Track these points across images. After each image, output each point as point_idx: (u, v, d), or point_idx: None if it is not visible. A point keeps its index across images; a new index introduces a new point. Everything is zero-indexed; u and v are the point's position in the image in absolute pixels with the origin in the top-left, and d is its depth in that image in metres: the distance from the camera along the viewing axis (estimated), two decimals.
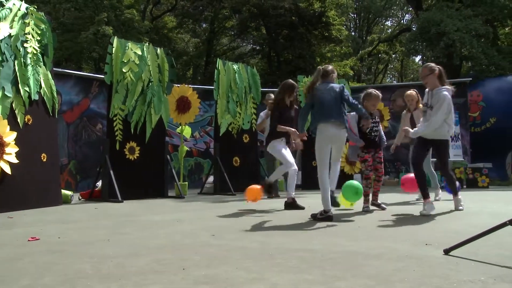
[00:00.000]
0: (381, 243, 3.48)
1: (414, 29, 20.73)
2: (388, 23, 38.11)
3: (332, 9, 24.32)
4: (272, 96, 7.93)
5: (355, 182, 5.69)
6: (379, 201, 5.95)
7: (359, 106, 5.32)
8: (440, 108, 5.21)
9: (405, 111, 7.44)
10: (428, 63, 5.70)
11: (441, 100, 5.20)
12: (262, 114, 8.28)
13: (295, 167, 6.38)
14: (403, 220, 4.93)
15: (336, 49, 26.33)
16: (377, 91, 6.03)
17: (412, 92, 7.37)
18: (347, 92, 5.15)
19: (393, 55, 33.62)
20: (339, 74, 21.60)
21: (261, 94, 10.32)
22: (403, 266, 2.71)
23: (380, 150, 6.07)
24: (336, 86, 5.15)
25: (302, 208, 6.07)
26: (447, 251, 3.03)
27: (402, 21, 35.79)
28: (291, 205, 6.20)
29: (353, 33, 34.67)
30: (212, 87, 9.82)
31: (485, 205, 6.60)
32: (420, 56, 29.64)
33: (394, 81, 38.15)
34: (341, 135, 5.15)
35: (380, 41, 31.01)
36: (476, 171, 10.98)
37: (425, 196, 5.32)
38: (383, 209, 5.83)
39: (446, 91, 5.25)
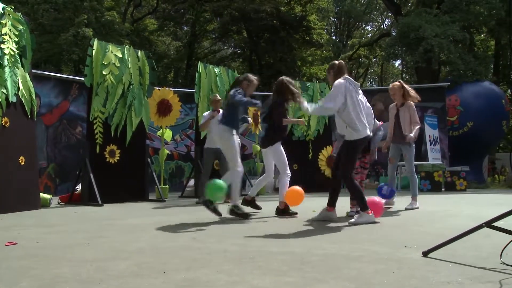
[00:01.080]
0: (361, 246, 3.51)
1: (393, 34, 21.02)
2: (368, 27, 38.63)
3: (313, 13, 24.50)
4: (218, 96, 8.11)
5: (219, 181, 5.10)
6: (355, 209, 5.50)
7: (242, 100, 5.27)
8: (328, 94, 5.00)
9: (392, 104, 6.90)
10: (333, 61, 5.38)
11: (332, 88, 4.87)
12: (205, 114, 8.16)
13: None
14: (383, 223, 4.98)
15: (317, 53, 26.53)
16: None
17: (395, 84, 6.76)
18: (232, 92, 5.37)
19: (373, 60, 34.04)
20: (319, 78, 21.81)
21: None
22: (383, 268, 2.74)
23: (368, 154, 5.87)
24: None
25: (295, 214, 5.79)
26: (425, 253, 3.07)
27: (382, 26, 36.31)
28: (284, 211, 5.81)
29: (333, 37, 34.99)
30: (193, 90, 9.80)
31: (463, 208, 6.71)
32: (400, 61, 30.07)
33: (374, 85, 38.54)
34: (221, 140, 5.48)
35: (361, 45, 31.37)
36: (454, 174, 11.16)
37: (364, 208, 4.85)
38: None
39: (343, 79, 4.85)
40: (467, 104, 13.94)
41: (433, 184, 10.97)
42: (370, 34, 36.38)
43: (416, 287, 2.31)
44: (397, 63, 34.49)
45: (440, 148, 12.60)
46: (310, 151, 11.11)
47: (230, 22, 22.43)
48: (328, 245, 3.59)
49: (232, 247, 3.52)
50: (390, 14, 29.06)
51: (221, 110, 7.16)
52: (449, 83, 14.09)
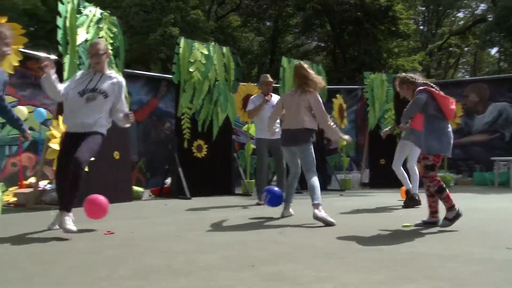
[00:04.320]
0: (454, 245, 3.35)
1: (490, 19, 19.71)
2: (460, 14, 36.43)
3: (399, 3, 23.58)
4: (269, 77, 6.80)
5: None
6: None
7: None
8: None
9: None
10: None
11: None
12: (253, 98, 6.86)
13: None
14: (478, 222, 4.71)
15: (404, 44, 25.54)
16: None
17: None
18: None
19: (466, 48, 32.17)
20: (406, 70, 21.01)
21: (327, 91, 10.21)
22: (481, 270, 2.59)
23: None
24: None
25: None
26: None
27: (476, 12, 34.19)
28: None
29: (421, 27, 33.54)
30: (278, 85, 9.83)
31: None
32: (497, 48, 28.19)
33: (467, 76, 36.54)
34: None
35: (451, 34, 29.78)
36: None
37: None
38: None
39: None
40: None
41: None
42: (462, 22, 34.45)
43: None
44: (494, 50, 32.38)
45: None
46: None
47: (313, 15, 22.22)
48: (420, 243, 3.46)
49: (320, 242, 3.50)
50: None
51: (273, 95, 6.75)
52: None
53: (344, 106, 10.19)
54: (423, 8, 33.81)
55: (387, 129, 6.91)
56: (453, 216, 4.12)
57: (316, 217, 4.51)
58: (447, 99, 4.23)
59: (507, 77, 14.18)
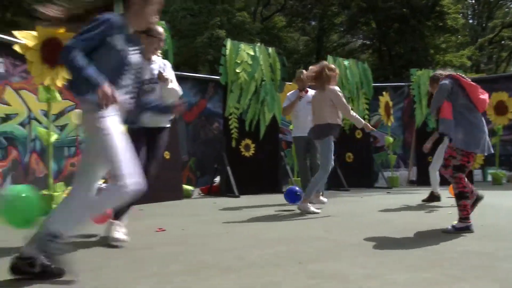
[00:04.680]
0: (508, 244, 3.23)
1: None
2: None
3: None
4: (305, 72, 6.06)
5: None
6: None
7: None
8: None
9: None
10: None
11: None
12: (289, 95, 6.74)
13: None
14: None
15: (452, 39, 24.77)
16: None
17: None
18: None
19: None
20: (455, 65, 20.38)
21: (373, 89, 10.06)
22: None
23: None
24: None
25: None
26: None
27: None
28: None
29: (470, 21, 32.38)
30: None
31: None
32: None
33: None
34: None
35: (504, 26, 28.56)
36: None
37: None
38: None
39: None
40: None
41: None
42: None
43: None
44: None
45: None
46: None
47: (358, 13, 21.95)
48: (469, 241, 3.36)
49: (365, 240, 3.46)
50: None
51: (309, 90, 6.47)
52: None
53: (391, 103, 10.00)
54: (473, 1, 32.59)
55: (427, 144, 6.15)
56: (461, 227, 3.74)
57: (299, 208, 5.14)
58: (475, 87, 3.86)
59: None
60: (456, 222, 3.80)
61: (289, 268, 2.59)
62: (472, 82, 3.94)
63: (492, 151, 4.04)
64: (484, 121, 3.92)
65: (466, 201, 3.80)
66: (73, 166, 8.32)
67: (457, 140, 3.80)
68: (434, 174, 6.18)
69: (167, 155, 7.14)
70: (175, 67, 9.64)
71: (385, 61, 22.48)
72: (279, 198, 7.45)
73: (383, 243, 3.36)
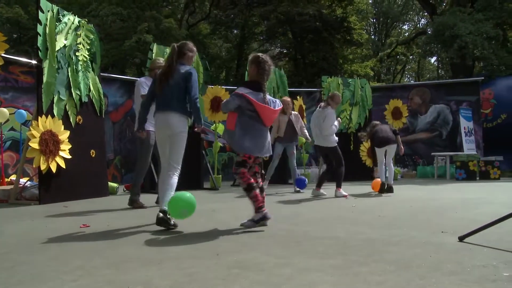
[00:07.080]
0: (400, 231, 3.42)
1: (429, 32, 20.28)
2: (405, 27, 37.41)
3: (353, 15, 23.96)
4: (161, 60, 5.56)
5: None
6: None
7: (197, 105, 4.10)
8: None
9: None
10: None
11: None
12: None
13: None
14: (420, 210, 4.84)
15: (357, 51, 25.98)
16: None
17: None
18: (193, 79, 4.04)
19: (410, 57, 32.94)
20: (360, 74, 21.40)
21: (289, 93, 10.27)
22: (421, 252, 2.66)
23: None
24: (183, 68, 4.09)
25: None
26: (461, 238, 2.96)
27: (418, 25, 35.11)
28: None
29: (372, 37, 34.13)
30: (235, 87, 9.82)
31: (497, 195, 6.42)
32: (436, 57, 29.03)
33: (412, 81, 37.39)
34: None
35: (398, 43, 30.49)
36: (488, 164, 10.68)
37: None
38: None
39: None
40: (500, 97, 13.29)
41: (468, 173, 10.54)
42: (407, 33, 35.27)
43: (452, 271, 2.22)
44: (433, 59, 33.32)
45: (475, 139, 12.09)
46: (352, 143, 10.90)
47: (276, 25, 22.27)
48: (369, 230, 3.52)
49: (280, 232, 3.51)
50: (425, 13, 28.00)
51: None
52: (483, 78, 13.48)
53: (304, 107, 10.27)
54: (374, 20, 34.49)
55: None
56: (259, 218, 3.67)
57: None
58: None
59: (444, 83, 14.77)
60: (253, 215, 3.70)
61: (207, 260, 2.57)
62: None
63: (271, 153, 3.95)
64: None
65: (255, 191, 3.69)
66: None
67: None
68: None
69: (92, 153, 6.84)
70: (103, 69, 9.21)
71: (300, 68, 23.02)
72: (200, 194, 7.42)
73: (295, 234, 3.42)
